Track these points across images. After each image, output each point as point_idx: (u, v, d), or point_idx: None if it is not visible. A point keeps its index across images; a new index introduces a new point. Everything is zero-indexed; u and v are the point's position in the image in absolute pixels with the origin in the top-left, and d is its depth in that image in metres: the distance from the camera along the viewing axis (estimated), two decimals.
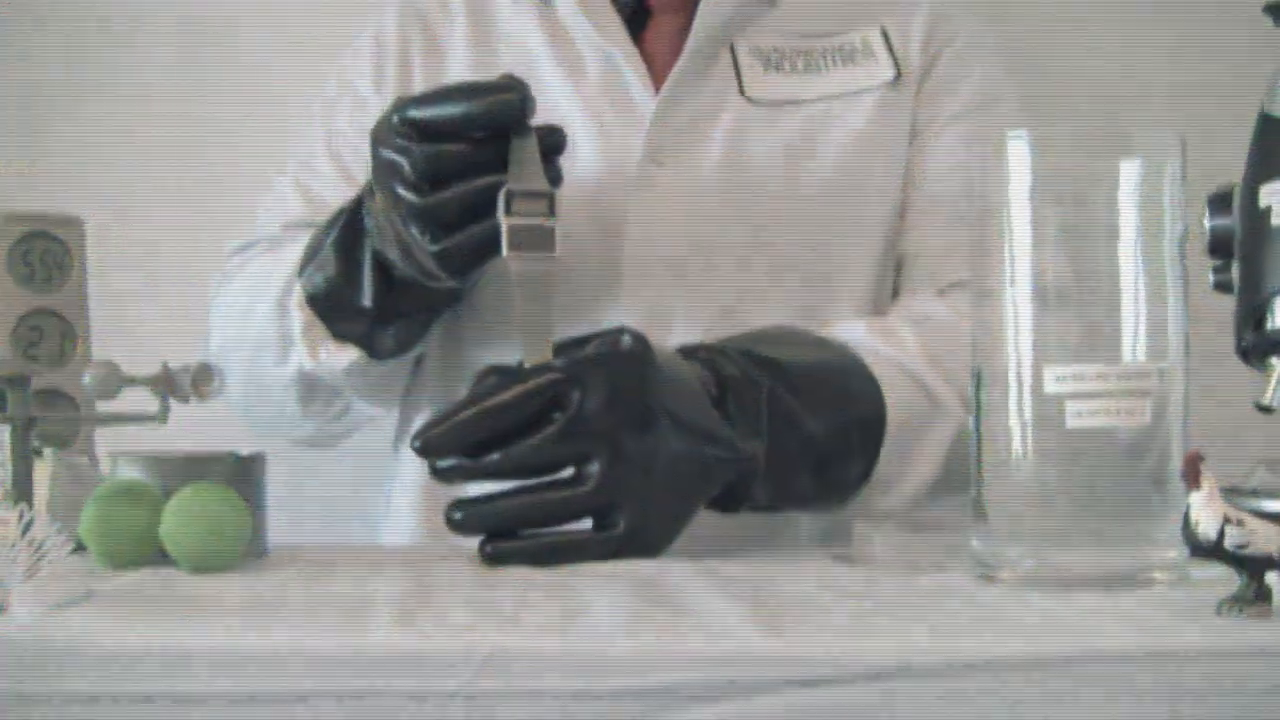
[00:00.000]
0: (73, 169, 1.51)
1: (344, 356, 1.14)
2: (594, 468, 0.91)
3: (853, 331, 1.13)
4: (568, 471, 0.92)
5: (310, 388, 1.19)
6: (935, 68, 1.28)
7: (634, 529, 0.92)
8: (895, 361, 1.10)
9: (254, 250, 1.27)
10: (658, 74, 1.24)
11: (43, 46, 1.61)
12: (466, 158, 0.99)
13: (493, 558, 0.91)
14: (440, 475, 0.93)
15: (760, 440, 0.97)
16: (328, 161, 1.28)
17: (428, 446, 0.92)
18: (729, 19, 1.25)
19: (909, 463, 1.08)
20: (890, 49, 1.26)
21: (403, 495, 1.28)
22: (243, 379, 1.20)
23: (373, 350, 1.15)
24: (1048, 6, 1.61)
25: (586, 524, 0.93)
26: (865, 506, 1.07)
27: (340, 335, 1.14)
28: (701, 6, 1.23)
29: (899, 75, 1.25)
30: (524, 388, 0.91)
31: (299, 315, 1.14)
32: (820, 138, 1.23)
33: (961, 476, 0.88)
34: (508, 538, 0.92)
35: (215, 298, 1.28)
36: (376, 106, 1.24)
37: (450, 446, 0.92)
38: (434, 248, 1.01)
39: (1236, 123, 0.91)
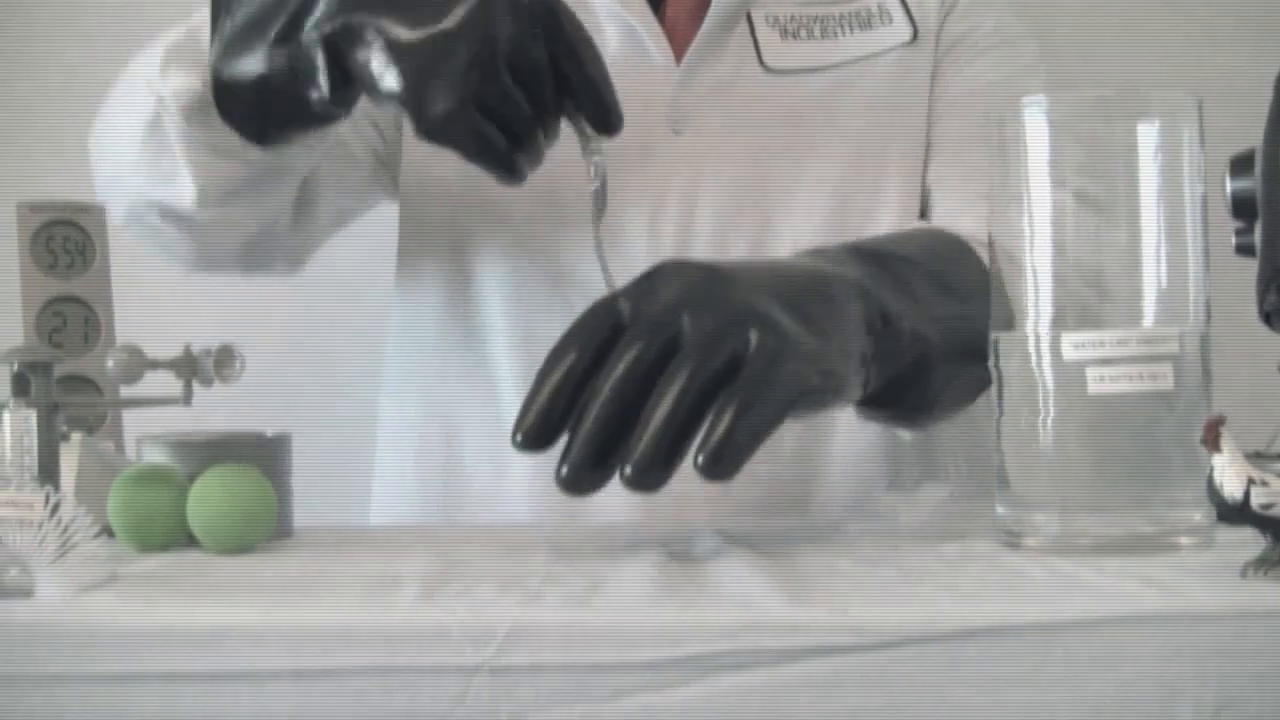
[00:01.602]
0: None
1: (190, 81, 1.04)
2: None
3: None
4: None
5: (152, 129, 1.07)
6: (950, 16, 1.27)
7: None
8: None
9: None
10: (678, 45, 1.24)
11: (62, 33, 1.62)
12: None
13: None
14: (570, 483, 0.82)
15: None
16: None
17: (528, 437, 0.83)
18: None
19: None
20: (907, 10, 1.26)
21: (390, 472, 1.27)
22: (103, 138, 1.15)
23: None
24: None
25: None
26: None
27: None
28: None
29: (916, 34, 1.25)
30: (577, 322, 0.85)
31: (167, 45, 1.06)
32: (839, 104, 1.23)
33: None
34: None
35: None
36: None
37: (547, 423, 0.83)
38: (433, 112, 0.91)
39: (1257, 84, 0.91)
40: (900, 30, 1.25)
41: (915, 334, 0.93)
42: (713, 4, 1.23)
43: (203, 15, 1.02)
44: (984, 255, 1.01)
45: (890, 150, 1.24)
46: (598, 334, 0.83)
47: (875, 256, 0.96)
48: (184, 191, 1.07)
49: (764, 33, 1.24)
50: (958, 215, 1.19)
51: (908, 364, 0.93)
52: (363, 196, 1.30)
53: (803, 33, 1.25)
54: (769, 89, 1.23)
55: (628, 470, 0.80)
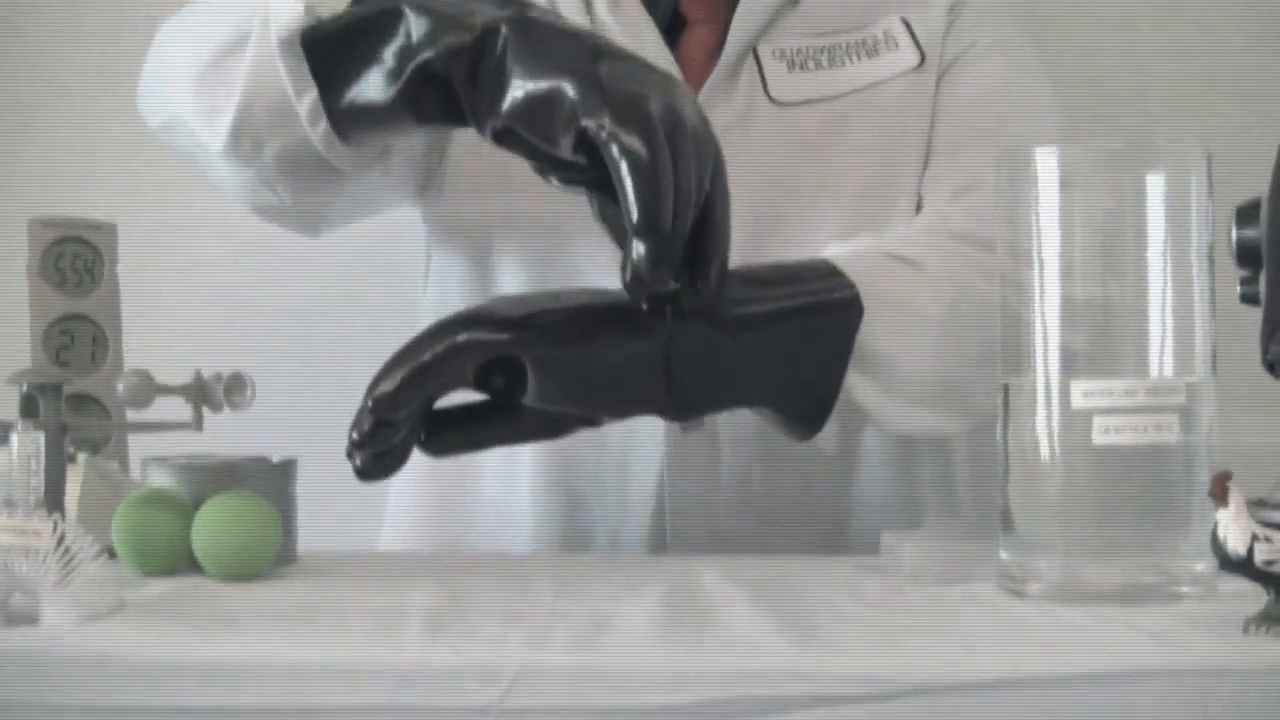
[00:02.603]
0: (104, 175, 1.52)
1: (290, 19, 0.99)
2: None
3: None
4: None
5: (229, 52, 1.03)
6: (951, 32, 1.27)
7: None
8: (859, 254, 1.05)
9: None
10: (693, 83, 1.24)
11: (74, 50, 1.62)
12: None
13: None
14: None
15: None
16: None
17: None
18: (760, 25, 1.25)
19: (902, 333, 1.00)
20: (913, 35, 1.26)
21: (403, 490, 1.28)
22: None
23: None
24: (1076, 10, 1.61)
25: None
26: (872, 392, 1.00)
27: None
28: (738, 15, 1.24)
29: (924, 59, 1.25)
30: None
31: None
32: (848, 132, 1.24)
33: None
34: None
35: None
36: None
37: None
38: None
39: (1262, 124, 0.91)
40: (907, 55, 1.25)
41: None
42: (728, 41, 1.23)
43: None
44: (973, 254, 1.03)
45: (901, 173, 1.24)
46: None
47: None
48: (218, 133, 1.04)
49: (771, 66, 1.24)
50: (948, 214, 1.18)
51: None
52: (381, 202, 1.29)
53: (810, 64, 1.25)
54: (779, 122, 1.23)
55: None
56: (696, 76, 1.23)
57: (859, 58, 1.26)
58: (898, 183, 1.23)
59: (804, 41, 1.25)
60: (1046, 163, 0.83)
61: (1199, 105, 1.56)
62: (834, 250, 1.05)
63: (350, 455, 0.88)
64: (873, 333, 0.97)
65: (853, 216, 1.22)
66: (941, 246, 1.05)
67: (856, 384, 0.98)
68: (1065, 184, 0.83)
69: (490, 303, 0.94)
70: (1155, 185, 0.83)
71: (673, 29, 1.27)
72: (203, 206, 1.53)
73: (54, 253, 1.06)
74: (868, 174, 1.23)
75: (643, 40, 1.24)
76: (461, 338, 0.88)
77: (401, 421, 0.88)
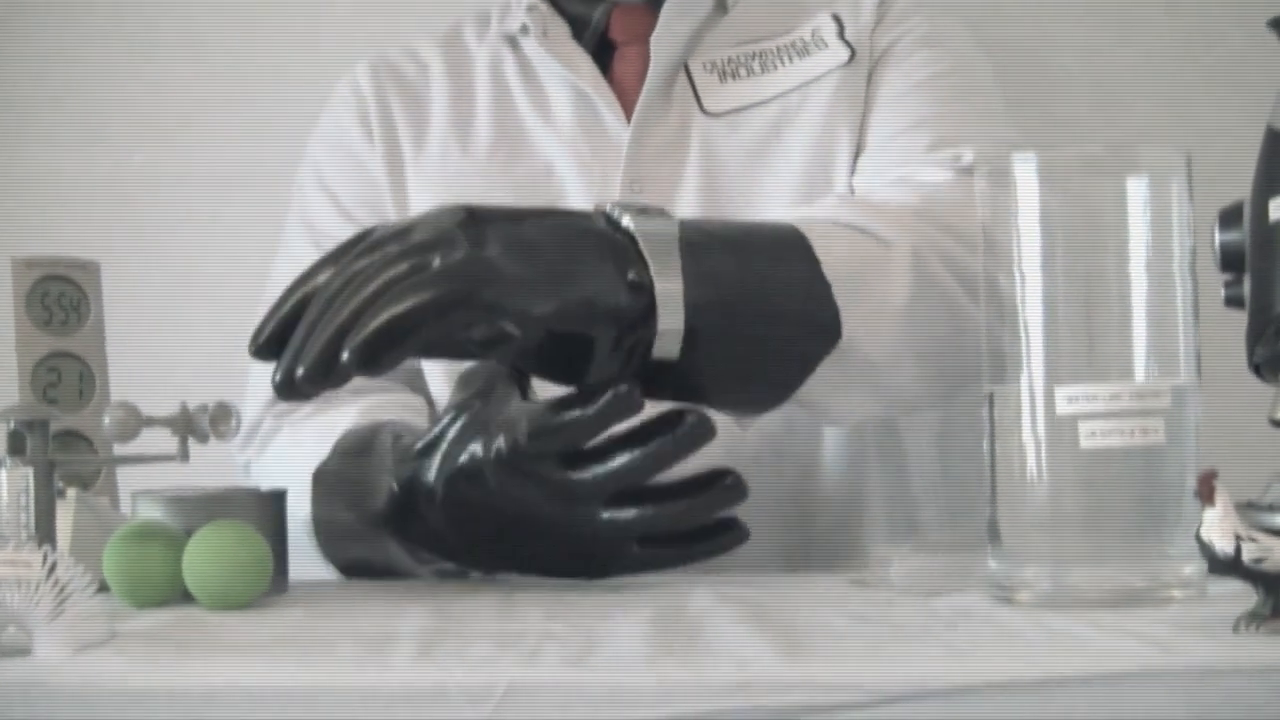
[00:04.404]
0: (86, 209, 1.52)
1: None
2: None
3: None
4: None
5: None
6: (880, 26, 1.28)
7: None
8: (816, 218, 1.02)
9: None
10: (629, 104, 1.26)
11: (57, 89, 1.62)
12: None
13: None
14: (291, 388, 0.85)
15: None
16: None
17: (262, 348, 0.88)
18: (686, 41, 1.26)
19: (869, 310, 0.98)
20: (841, 32, 1.27)
21: None
22: None
23: None
24: (1054, 13, 1.62)
25: None
26: (835, 383, 0.98)
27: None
28: (655, 35, 1.25)
29: (854, 55, 1.26)
30: None
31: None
32: (784, 133, 1.25)
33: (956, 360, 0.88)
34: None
35: (258, 457, 1.26)
36: (371, 159, 1.29)
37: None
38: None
39: (1243, 128, 0.91)
40: (837, 53, 1.27)
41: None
42: (651, 62, 1.25)
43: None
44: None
45: (837, 164, 1.25)
46: (347, 252, 0.86)
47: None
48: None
49: (702, 79, 1.26)
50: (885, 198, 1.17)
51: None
52: None
53: (742, 71, 1.27)
54: (715, 132, 1.25)
55: (300, 368, 0.83)
56: (632, 96, 1.25)
57: (790, 60, 1.27)
58: (834, 171, 1.25)
59: (734, 50, 1.27)
60: (1026, 168, 0.83)
61: (1179, 109, 1.57)
62: (809, 214, 1.04)
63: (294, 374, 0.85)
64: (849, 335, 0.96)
65: (799, 204, 1.22)
66: (909, 225, 1.02)
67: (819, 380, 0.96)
68: (1046, 190, 0.83)
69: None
70: (1136, 189, 0.83)
71: (603, 53, 1.28)
72: (186, 241, 1.54)
73: (39, 291, 1.06)
74: (806, 168, 1.25)
75: (575, 67, 1.26)
76: None
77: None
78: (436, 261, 0.84)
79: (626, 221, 0.90)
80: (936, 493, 1.26)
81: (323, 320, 0.84)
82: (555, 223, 0.90)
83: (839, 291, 0.95)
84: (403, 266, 0.84)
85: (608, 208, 0.92)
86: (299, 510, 1.04)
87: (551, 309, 0.86)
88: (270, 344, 0.87)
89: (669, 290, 0.89)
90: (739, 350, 0.92)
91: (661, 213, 0.92)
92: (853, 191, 1.22)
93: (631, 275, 0.88)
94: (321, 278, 0.87)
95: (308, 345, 0.83)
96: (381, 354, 0.82)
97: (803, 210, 1.08)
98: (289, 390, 0.84)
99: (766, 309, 0.93)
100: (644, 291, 0.88)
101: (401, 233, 0.86)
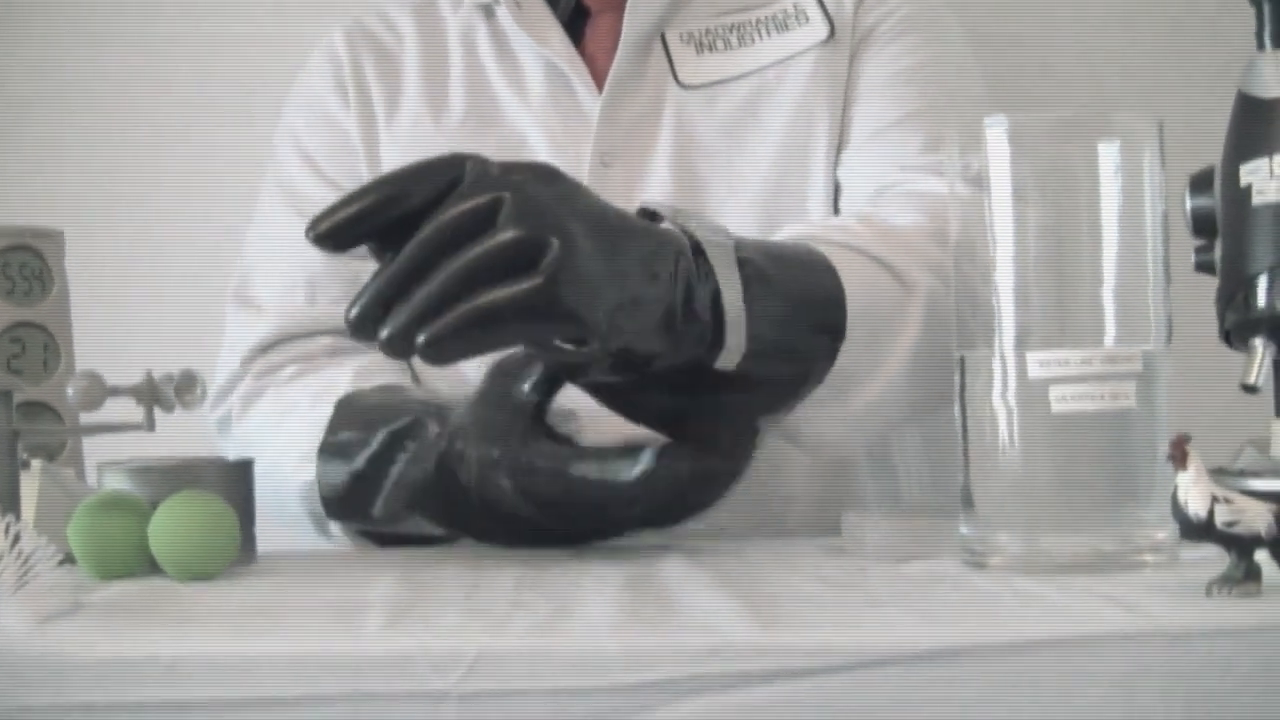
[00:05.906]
0: (49, 178, 1.51)
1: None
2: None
3: (795, 229, 1.07)
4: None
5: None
6: (863, 6, 1.27)
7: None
8: (848, 246, 1.01)
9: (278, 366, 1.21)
10: (601, 75, 1.25)
11: (17, 54, 1.61)
12: None
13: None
14: (390, 344, 0.82)
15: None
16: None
17: (324, 235, 0.83)
18: (661, 11, 1.25)
19: (879, 353, 0.98)
20: (823, 7, 1.26)
21: None
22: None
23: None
24: None
25: None
26: (837, 404, 0.98)
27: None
28: (630, 4, 1.24)
29: (834, 31, 1.25)
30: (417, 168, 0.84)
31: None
32: (761, 109, 1.24)
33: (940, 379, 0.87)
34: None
35: (240, 418, 1.22)
36: (347, 123, 1.28)
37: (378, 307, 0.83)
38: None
39: (1214, 99, 0.91)
40: (817, 29, 1.26)
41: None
42: (623, 32, 1.23)
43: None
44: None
45: (814, 145, 1.24)
46: (432, 183, 0.83)
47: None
48: None
49: (678, 51, 1.25)
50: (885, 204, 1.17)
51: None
52: None
53: (719, 44, 1.26)
54: (690, 106, 1.24)
55: (383, 333, 0.81)
56: (602, 67, 1.24)
57: (768, 33, 1.26)
58: (812, 151, 1.24)
59: (712, 21, 1.26)
60: (997, 133, 0.83)
61: (1151, 74, 1.57)
62: (841, 235, 1.03)
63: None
64: (853, 369, 0.97)
65: (768, 188, 1.23)
66: (930, 259, 1.02)
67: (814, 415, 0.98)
68: (1017, 154, 0.83)
69: None
70: (1108, 154, 0.83)
71: (577, 21, 1.27)
72: (151, 209, 1.53)
73: (1, 261, 1.05)
74: (783, 146, 1.23)
75: (546, 35, 1.25)
76: None
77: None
78: (539, 277, 0.82)
79: (698, 234, 0.90)
80: (919, 467, 1.26)
81: (439, 292, 0.81)
82: (643, 244, 0.88)
83: (852, 341, 0.96)
84: (504, 265, 0.82)
85: (679, 219, 0.91)
86: (296, 476, 1.04)
87: (635, 330, 0.85)
88: (334, 235, 0.83)
89: (737, 309, 0.89)
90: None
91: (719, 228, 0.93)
92: (838, 185, 1.22)
93: (702, 296, 0.88)
94: (414, 200, 0.83)
95: (436, 315, 0.81)
96: (471, 353, 0.84)
97: (832, 225, 1.07)
98: (392, 346, 0.82)
99: (786, 343, 0.94)
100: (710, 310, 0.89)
101: (497, 210, 0.83)
